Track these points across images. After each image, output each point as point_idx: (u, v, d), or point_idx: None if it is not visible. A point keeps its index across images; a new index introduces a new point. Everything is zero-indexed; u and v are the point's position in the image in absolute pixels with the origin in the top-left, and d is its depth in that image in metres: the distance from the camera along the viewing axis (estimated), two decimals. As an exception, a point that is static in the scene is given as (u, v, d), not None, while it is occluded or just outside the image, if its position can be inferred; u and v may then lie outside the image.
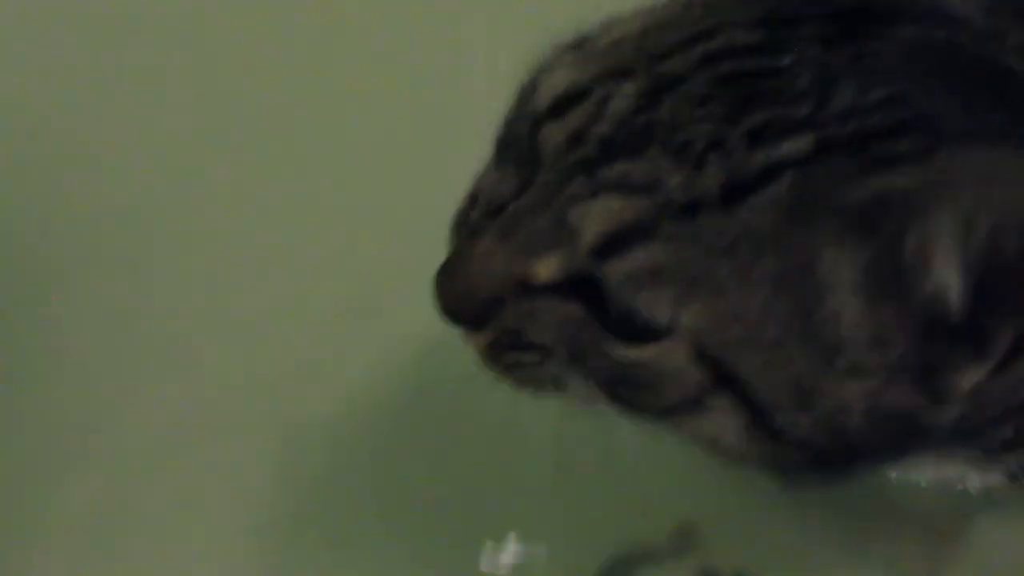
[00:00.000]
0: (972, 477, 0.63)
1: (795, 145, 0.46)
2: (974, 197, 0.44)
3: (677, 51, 0.49)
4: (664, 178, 0.47)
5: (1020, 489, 0.63)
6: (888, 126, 0.46)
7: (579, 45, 0.53)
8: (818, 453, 0.51)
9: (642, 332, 0.50)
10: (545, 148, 0.52)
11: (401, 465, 0.83)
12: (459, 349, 0.58)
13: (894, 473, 0.67)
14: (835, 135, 0.46)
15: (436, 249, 0.58)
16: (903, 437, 0.51)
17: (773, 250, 0.47)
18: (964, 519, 0.76)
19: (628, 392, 0.53)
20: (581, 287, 0.51)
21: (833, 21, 0.49)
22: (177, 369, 0.88)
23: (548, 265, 0.52)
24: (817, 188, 0.46)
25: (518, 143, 0.54)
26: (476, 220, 0.55)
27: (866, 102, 0.47)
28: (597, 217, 0.49)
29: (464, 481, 0.81)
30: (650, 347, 0.50)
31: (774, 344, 0.48)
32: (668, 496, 0.76)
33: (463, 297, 0.54)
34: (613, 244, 0.49)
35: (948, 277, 0.45)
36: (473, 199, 0.56)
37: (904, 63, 0.48)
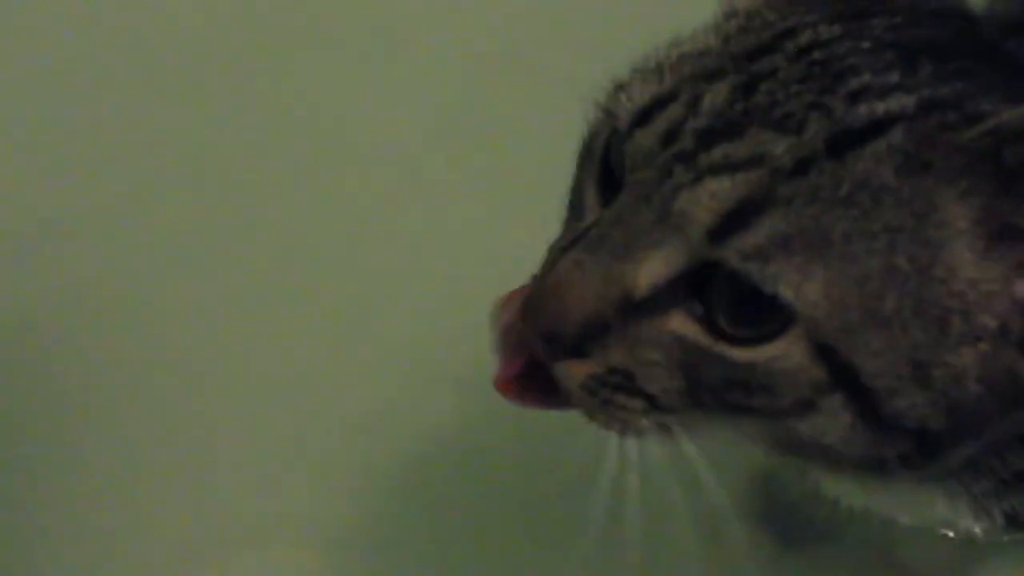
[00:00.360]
0: (970, 524, 0.63)
1: (899, 101, 0.49)
2: None
3: (766, 51, 0.51)
4: (769, 148, 0.48)
5: (1009, 535, 0.63)
6: (971, 92, 0.49)
7: (648, 67, 0.54)
8: (924, 438, 0.51)
9: (759, 331, 0.50)
10: (634, 156, 0.52)
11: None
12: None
13: (906, 519, 0.66)
14: (933, 96, 0.49)
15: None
16: (1013, 405, 0.51)
17: (890, 200, 0.48)
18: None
19: (741, 397, 0.51)
20: (689, 289, 0.51)
21: (897, 13, 0.53)
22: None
23: (653, 265, 0.51)
24: (932, 135, 0.48)
25: (594, 168, 0.55)
26: (563, 246, 0.54)
27: (945, 72, 0.50)
28: (709, 198, 0.49)
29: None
30: (768, 346, 0.50)
31: (892, 316, 0.48)
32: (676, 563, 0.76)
33: (563, 318, 0.51)
34: (731, 222, 0.48)
35: None
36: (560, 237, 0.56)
37: (961, 44, 0.53)
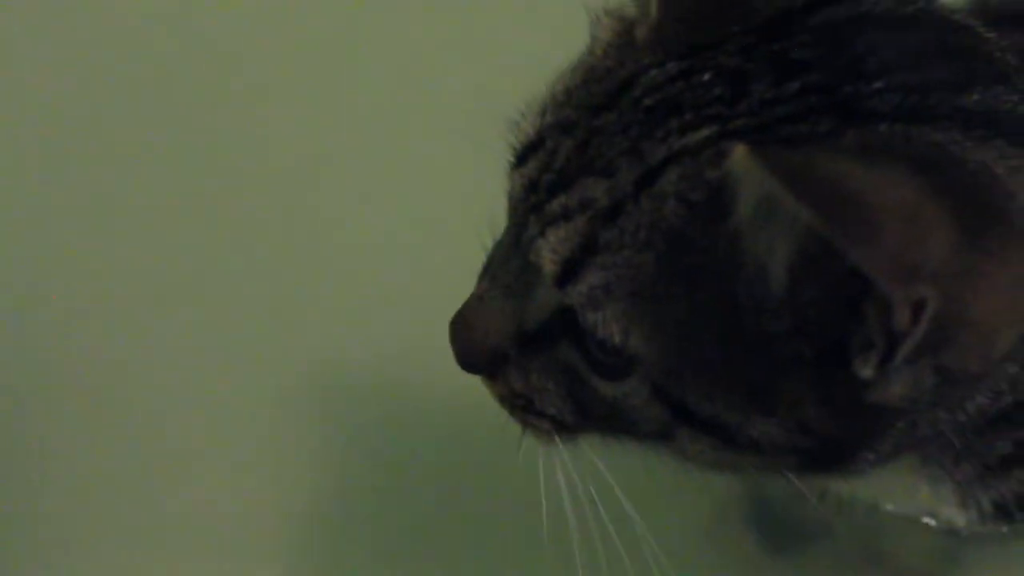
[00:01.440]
0: (954, 513, 0.63)
1: (696, 136, 0.49)
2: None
3: (604, 108, 0.52)
4: (592, 194, 0.50)
5: (999, 526, 0.64)
6: (800, 111, 0.49)
7: (535, 104, 0.56)
8: (805, 453, 0.52)
9: (616, 367, 0.52)
10: (511, 198, 0.55)
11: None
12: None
13: (890, 506, 0.67)
14: (742, 125, 0.49)
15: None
16: (870, 424, 0.51)
17: (679, 240, 0.48)
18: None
19: (614, 424, 0.55)
20: (566, 327, 0.53)
21: (755, 31, 0.51)
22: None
23: (529, 307, 0.54)
24: (697, 173, 0.48)
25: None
26: (480, 273, 0.58)
27: (782, 93, 0.49)
28: (549, 249, 0.51)
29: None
30: (623, 383, 0.52)
31: (712, 356, 0.49)
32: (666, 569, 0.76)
33: (471, 347, 0.56)
34: (568, 270, 0.51)
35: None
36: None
37: (822, 48, 0.51)
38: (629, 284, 0.50)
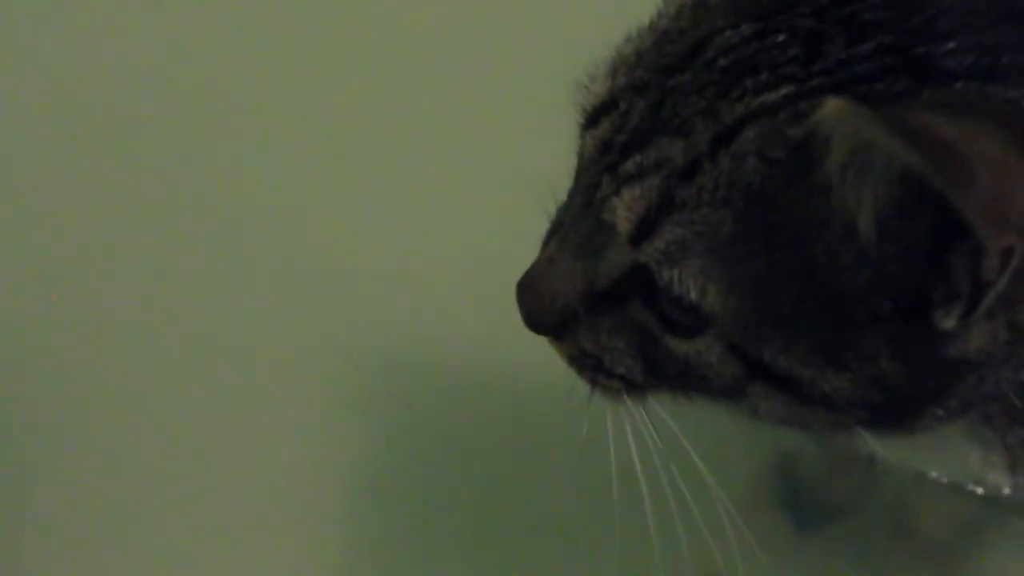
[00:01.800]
0: (1002, 477, 0.64)
1: (773, 95, 0.50)
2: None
3: (677, 69, 0.52)
4: (668, 153, 0.51)
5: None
6: (875, 71, 0.49)
7: (605, 65, 0.56)
8: (876, 408, 0.52)
9: (690, 325, 0.53)
10: (582, 159, 0.56)
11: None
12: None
13: (935, 473, 0.68)
14: (819, 84, 0.49)
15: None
16: (942, 380, 0.52)
17: (758, 198, 0.49)
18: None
19: (686, 382, 0.56)
20: (639, 285, 0.54)
21: None
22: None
23: (601, 266, 0.55)
24: (777, 131, 0.49)
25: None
26: (544, 238, 0.58)
27: (856, 53, 0.50)
28: (624, 207, 0.52)
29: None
30: (696, 340, 0.53)
31: (789, 312, 0.50)
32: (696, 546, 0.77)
33: (540, 308, 0.57)
34: (644, 228, 0.52)
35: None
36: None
37: (893, 10, 0.51)
38: (706, 241, 0.50)
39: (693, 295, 0.51)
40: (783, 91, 0.50)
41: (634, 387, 0.58)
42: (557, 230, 0.57)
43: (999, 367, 0.52)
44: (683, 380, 0.56)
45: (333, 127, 0.99)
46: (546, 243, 0.57)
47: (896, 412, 0.54)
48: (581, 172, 0.56)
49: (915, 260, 0.48)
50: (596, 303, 0.56)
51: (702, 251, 0.50)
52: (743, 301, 0.51)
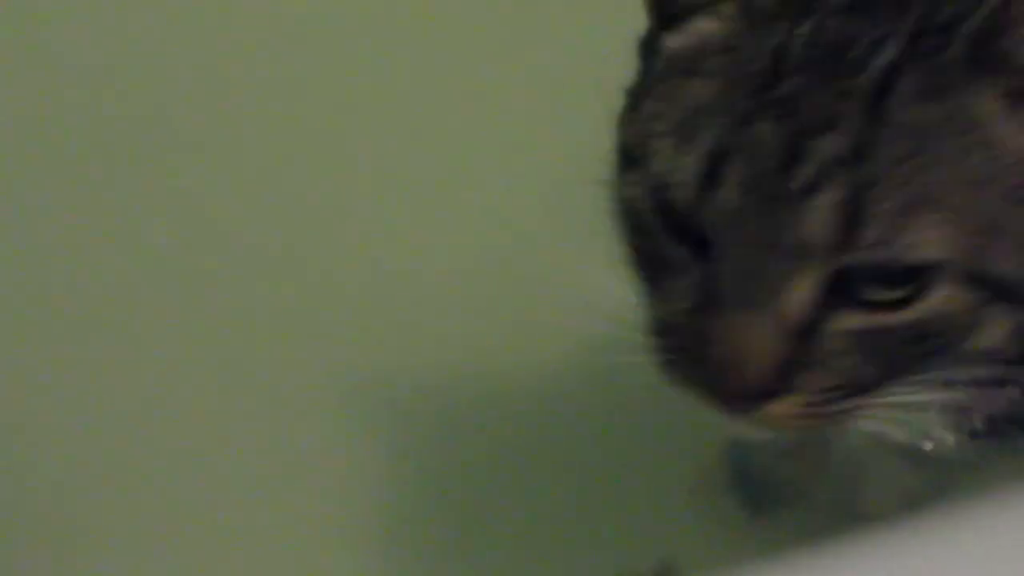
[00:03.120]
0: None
1: (887, 53, 0.52)
2: None
3: (777, 77, 0.53)
4: (829, 151, 0.51)
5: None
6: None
7: (665, 127, 0.56)
8: None
9: (909, 292, 0.53)
10: (720, 214, 0.53)
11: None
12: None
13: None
14: (916, 29, 0.53)
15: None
16: None
17: (940, 131, 0.52)
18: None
19: (921, 347, 0.55)
20: (838, 289, 0.53)
21: None
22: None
23: (799, 295, 0.53)
24: (932, 63, 0.52)
25: (658, 232, 0.57)
26: (688, 308, 0.55)
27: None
28: (818, 221, 0.52)
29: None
30: (922, 302, 0.53)
31: (1003, 217, 0.53)
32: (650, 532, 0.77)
33: (747, 380, 0.54)
34: (846, 226, 0.52)
35: None
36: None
37: None
38: (910, 197, 0.51)
39: (924, 252, 0.52)
40: (894, 47, 0.52)
41: (864, 393, 0.56)
42: (720, 299, 0.54)
43: None
44: (913, 349, 0.54)
45: (333, 128, 1.00)
46: (709, 318, 0.54)
47: None
48: (728, 233, 0.53)
49: None
50: (804, 336, 0.54)
51: (910, 208, 0.51)
52: (963, 230, 0.52)
